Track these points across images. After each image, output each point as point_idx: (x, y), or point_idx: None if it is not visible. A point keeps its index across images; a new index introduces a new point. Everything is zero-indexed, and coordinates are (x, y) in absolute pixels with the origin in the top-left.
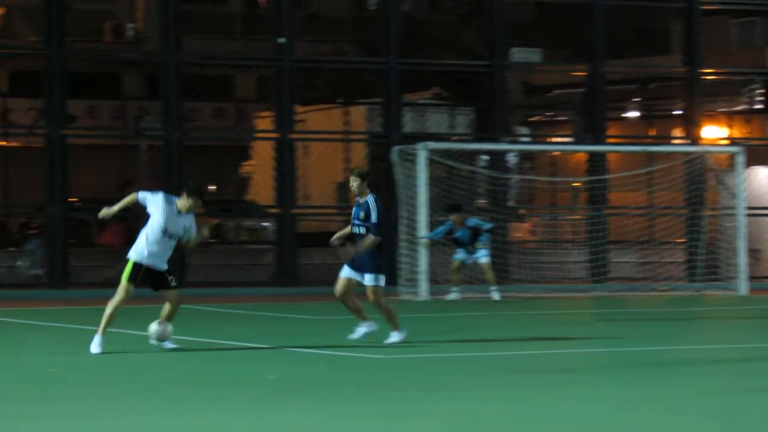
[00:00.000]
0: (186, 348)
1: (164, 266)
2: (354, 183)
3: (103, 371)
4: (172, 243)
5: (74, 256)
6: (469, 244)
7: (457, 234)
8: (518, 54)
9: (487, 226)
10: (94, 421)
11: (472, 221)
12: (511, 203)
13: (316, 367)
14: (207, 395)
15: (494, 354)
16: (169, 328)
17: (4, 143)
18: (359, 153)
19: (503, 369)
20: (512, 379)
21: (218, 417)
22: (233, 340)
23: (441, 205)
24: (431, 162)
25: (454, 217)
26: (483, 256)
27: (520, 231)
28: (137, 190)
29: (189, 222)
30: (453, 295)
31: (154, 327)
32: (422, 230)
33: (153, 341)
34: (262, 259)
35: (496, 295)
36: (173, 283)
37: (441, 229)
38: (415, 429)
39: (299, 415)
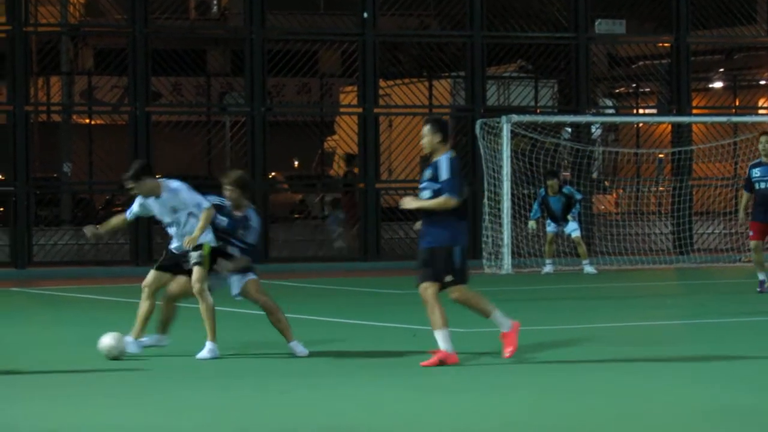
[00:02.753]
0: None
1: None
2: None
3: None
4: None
5: (157, 232)
6: (561, 216)
7: (551, 202)
8: (603, 26)
9: (579, 196)
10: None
11: (567, 189)
12: (594, 175)
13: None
14: (318, 370)
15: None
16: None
17: (88, 120)
18: None
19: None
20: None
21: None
22: (320, 315)
23: (526, 178)
24: (514, 135)
25: (551, 183)
26: (574, 230)
27: (603, 203)
28: (219, 166)
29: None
30: (548, 268)
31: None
32: (505, 203)
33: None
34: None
35: (590, 269)
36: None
37: (536, 206)
38: (511, 402)
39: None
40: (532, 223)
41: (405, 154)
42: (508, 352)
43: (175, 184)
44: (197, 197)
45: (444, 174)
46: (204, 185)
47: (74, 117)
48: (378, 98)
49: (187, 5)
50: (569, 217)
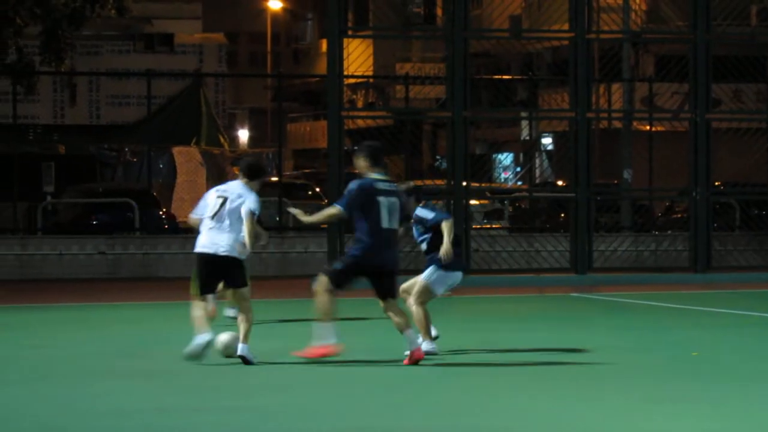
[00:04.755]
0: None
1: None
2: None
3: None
4: None
5: (716, 239)
6: None
7: None
8: None
9: None
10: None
11: None
12: None
13: None
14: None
15: None
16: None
17: (648, 127)
18: None
19: None
20: None
21: None
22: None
23: None
24: None
25: None
26: None
27: None
28: None
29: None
30: None
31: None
32: None
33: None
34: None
35: None
36: None
37: None
38: None
39: None
40: None
41: None
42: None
43: None
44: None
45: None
46: (764, 193)
47: (635, 123)
48: None
49: (748, 11)
50: None
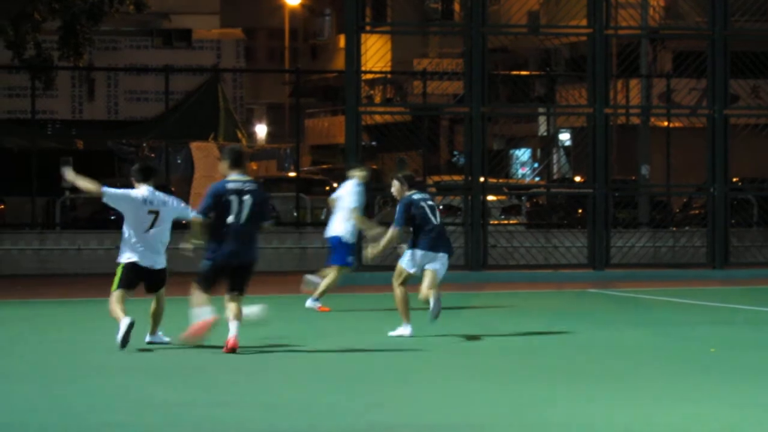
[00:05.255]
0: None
1: None
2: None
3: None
4: None
5: (734, 235)
6: None
7: None
8: None
9: None
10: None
11: None
12: None
13: None
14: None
15: None
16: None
17: (666, 123)
18: None
19: None
20: None
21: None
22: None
23: None
24: None
25: None
26: None
27: None
28: None
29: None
30: None
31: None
32: None
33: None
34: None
35: None
36: None
37: None
38: None
39: None
40: None
41: None
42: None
43: None
44: None
45: None
46: None
47: (652, 119)
48: None
49: (767, 7)
50: None
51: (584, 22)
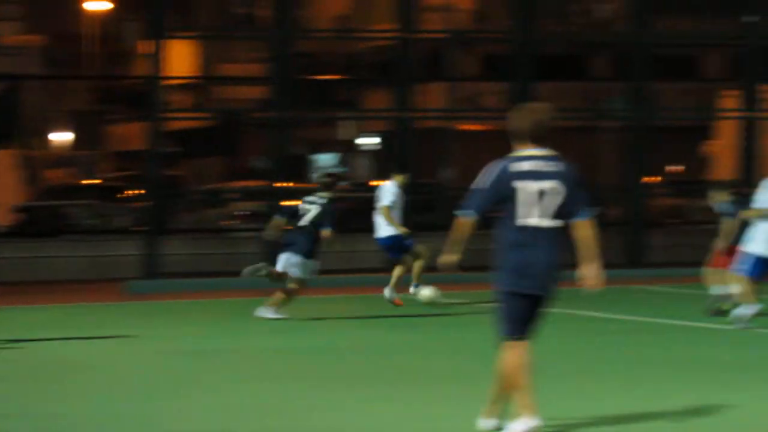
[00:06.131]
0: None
1: None
2: None
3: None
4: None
5: None
6: None
7: None
8: None
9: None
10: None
11: None
12: None
13: None
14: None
15: None
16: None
17: (469, 127)
18: None
19: None
20: None
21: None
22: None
23: None
24: None
25: None
26: None
27: None
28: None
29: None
30: None
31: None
32: None
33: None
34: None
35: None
36: None
37: None
38: None
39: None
40: None
41: None
42: None
43: None
44: None
45: None
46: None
47: (455, 123)
48: (761, 102)
49: (568, 11)
50: None
51: (388, 26)
